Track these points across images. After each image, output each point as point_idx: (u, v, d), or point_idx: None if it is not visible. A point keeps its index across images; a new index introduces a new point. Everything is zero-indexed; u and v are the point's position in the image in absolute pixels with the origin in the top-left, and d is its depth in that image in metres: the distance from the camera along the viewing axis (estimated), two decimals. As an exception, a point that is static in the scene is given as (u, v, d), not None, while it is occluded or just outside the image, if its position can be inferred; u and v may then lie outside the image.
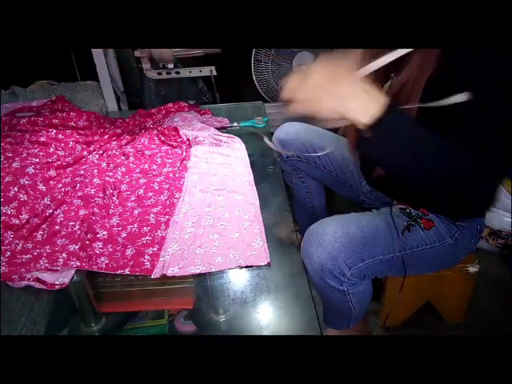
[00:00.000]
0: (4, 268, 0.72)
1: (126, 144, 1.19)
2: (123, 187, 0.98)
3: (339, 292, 0.80)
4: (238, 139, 1.21)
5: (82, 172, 1.03)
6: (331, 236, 0.77)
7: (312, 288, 0.72)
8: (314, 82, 0.56)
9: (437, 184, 0.62)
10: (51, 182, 0.98)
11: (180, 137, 1.23)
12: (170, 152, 1.15)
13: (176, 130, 1.25)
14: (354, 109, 0.55)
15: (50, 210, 0.87)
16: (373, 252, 0.78)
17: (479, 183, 0.61)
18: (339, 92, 0.55)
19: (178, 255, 0.75)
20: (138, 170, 1.06)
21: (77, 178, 1.00)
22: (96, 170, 1.03)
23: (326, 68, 0.57)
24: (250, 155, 1.11)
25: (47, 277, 0.71)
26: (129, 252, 0.76)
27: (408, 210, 0.84)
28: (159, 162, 1.10)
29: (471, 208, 0.80)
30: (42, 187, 0.94)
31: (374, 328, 1.16)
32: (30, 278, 0.70)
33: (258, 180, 1.00)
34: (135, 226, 0.84)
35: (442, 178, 0.60)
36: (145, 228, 0.83)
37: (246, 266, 0.73)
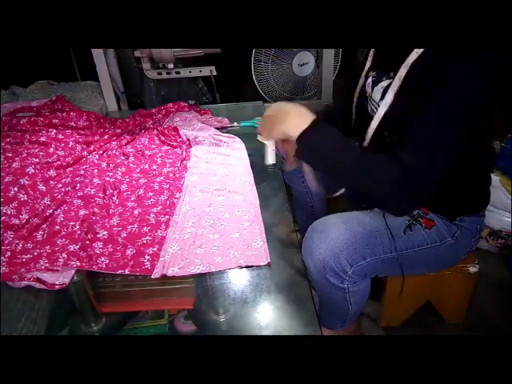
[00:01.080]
0: (4, 268, 0.72)
1: (125, 144, 1.19)
2: (123, 187, 0.98)
3: (339, 290, 0.80)
4: (238, 139, 1.21)
5: (82, 172, 1.03)
6: (334, 233, 0.77)
7: (312, 288, 0.72)
8: (268, 113, 0.76)
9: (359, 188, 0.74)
10: (51, 181, 0.98)
11: (180, 137, 1.23)
12: (170, 152, 1.15)
13: (176, 130, 1.25)
14: (289, 126, 0.71)
15: (50, 210, 0.87)
16: (375, 250, 0.79)
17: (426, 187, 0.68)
18: (280, 115, 0.73)
19: (178, 255, 0.75)
20: (138, 170, 1.06)
21: (77, 178, 1.00)
22: (96, 170, 1.03)
23: (276, 105, 0.76)
24: (249, 155, 1.11)
25: (47, 277, 0.71)
26: (129, 252, 0.76)
27: None
28: (159, 162, 1.10)
29: (465, 206, 0.81)
30: (41, 187, 0.94)
31: (374, 328, 1.16)
32: (30, 278, 0.70)
33: (258, 180, 1.00)
34: (135, 226, 0.84)
35: (359, 185, 0.72)
36: (145, 228, 0.83)
37: (246, 266, 0.73)
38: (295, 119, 0.71)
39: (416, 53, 0.68)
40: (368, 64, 0.86)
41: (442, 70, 0.63)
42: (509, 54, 0.60)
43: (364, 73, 0.88)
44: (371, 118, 0.82)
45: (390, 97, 0.74)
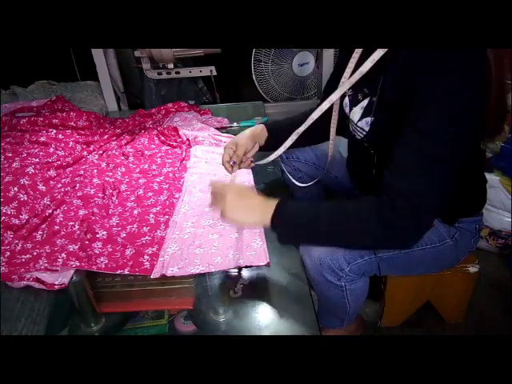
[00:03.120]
0: (4, 268, 0.72)
1: (125, 144, 1.19)
2: (123, 187, 0.98)
3: (336, 287, 0.80)
4: (237, 139, 1.21)
5: (82, 172, 1.03)
6: None
7: (311, 288, 0.72)
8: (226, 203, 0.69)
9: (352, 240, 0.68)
10: (51, 182, 0.98)
11: (180, 137, 1.23)
12: (169, 152, 1.15)
13: (176, 130, 1.25)
14: (254, 221, 0.69)
15: (50, 210, 0.87)
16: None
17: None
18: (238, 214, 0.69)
19: (178, 255, 0.75)
20: (137, 170, 1.06)
21: (77, 178, 1.00)
22: (96, 170, 1.03)
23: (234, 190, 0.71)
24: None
25: (47, 277, 0.71)
26: (128, 252, 0.76)
27: None
28: (159, 162, 1.10)
29: (466, 205, 0.81)
30: (41, 187, 0.94)
31: (374, 328, 1.16)
32: (29, 278, 0.70)
33: (258, 180, 1.00)
34: (135, 226, 0.84)
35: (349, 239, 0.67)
36: (144, 228, 0.83)
37: (246, 266, 0.73)
38: (257, 216, 0.68)
39: (379, 50, 0.64)
40: (342, 83, 0.79)
41: (419, 83, 0.60)
42: (482, 53, 0.58)
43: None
44: (353, 137, 0.81)
45: (369, 116, 0.72)
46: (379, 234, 0.63)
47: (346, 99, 0.81)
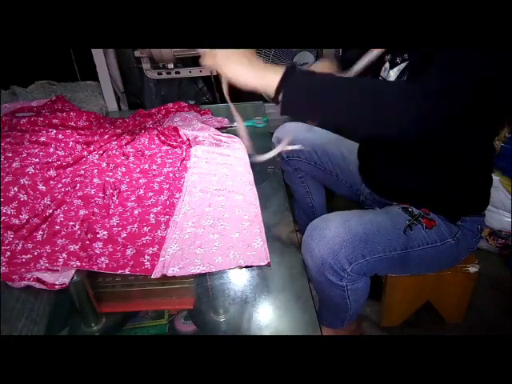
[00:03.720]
0: (4, 268, 0.72)
1: (126, 144, 1.19)
2: (123, 187, 0.98)
3: (338, 287, 0.80)
4: (237, 139, 1.21)
5: (82, 172, 1.03)
6: (333, 231, 0.77)
7: (312, 288, 0.72)
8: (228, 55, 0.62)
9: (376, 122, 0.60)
10: (51, 182, 0.98)
11: (180, 137, 1.23)
12: (170, 152, 1.15)
13: (176, 129, 1.25)
14: (262, 86, 0.61)
15: (50, 210, 0.87)
16: (374, 249, 0.79)
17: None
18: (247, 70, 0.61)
19: (178, 255, 0.75)
20: (138, 170, 1.06)
21: (77, 178, 1.00)
22: (96, 170, 1.03)
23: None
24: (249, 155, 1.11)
25: (47, 277, 0.71)
26: (129, 252, 0.76)
27: (410, 209, 0.84)
28: (159, 162, 1.10)
29: (470, 203, 0.81)
30: (41, 187, 0.94)
31: (374, 328, 1.17)
32: (30, 278, 0.70)
33: (258, 180, 1.00)
34: (135, 226, 0.84)
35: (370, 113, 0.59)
36: (145, 228, 0.83)
37: (246, 266, 0.73)
38: (257, 67, 0.61)
39: None
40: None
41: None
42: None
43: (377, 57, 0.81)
44: None
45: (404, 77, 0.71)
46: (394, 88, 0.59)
47: (387, 64, 0.81)
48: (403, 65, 0.75)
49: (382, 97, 0.58)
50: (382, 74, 0.83)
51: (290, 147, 0.94)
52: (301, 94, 0.59)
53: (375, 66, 0.83)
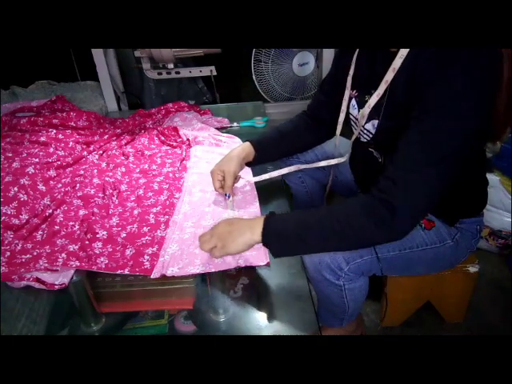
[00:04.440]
0: (4, 268, 0.72)
1: (125, 144, 1.19)
2: (123, 187, 0.98)
3: (335, 287, 0.80)
4: (237, 139, 1.21)
5: (82, 172, 1.03)
6: None
7: (311, 288, 0.72)
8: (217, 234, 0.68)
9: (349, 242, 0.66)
10: (51, 182, 0.98)
11: (180, 137, 1.23)
12: (169, 152, 1.15)
13: (176, 130, 1.25)
14: (246, 242, 0.67)
15: (50, 210, 0.87)
16: (372, 248, 0.79)
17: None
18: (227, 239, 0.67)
19: (178, 255, 0.75)
20: (137, 170, 1.06)
21: (77, 178, 1.00)
22: (96, 170, 1.03)
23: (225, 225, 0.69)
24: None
25: (47, 277, 0.71)
26: (128, 252, 0.76)
27: None
28: (159, 162, 1.10)
29: (467, 206, 0.81)
30: (41, 187, 0.94)
31: (374, 328, 1.16)
32: (29, 278, 0.70)
33: (258, 181, 1.00)
34: (135, 226, 0.84)
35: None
36: (144, 228, 0.83)
37: (246, 266, 0.73)
38: (248, 235, 0.66)
39: (400, 57, 0.64)
40: (348, 85, 0.81)
41: (426, 83, 0.60)
42: (494, 53, 0.58)
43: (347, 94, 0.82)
44: (358, 140, 0.81)
45: (376, 119, 0.72)
46: (369, 229, 0.62)
47: (353, 101, 0.81)
48: (372, 102, 0.73)
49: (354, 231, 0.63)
50: (350, 111, 0.82)
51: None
52: (280, 245, 0.66)
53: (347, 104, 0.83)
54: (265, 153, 0.93)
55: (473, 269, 1.03)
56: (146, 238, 0.80)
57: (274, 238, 0.66)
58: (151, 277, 0.71)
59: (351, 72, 0.79)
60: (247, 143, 0.92)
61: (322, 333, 0.63)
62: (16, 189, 0.90)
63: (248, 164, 0.93)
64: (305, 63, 1.76)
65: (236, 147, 0.91)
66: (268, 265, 0.73)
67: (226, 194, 0.88)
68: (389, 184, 0.62)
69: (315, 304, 0.67)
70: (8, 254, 0.76)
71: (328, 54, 1.57)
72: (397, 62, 0.66)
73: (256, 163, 0.94)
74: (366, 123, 0.76)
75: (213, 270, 0.71)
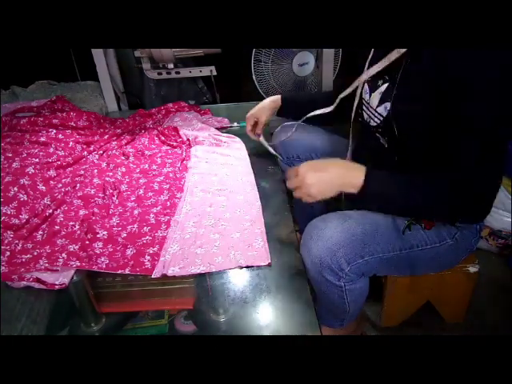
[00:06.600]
0: (4, 268, 0.72)
1: (126, 144, 1.19)
2: (123, 187, 0.98)
3: (336, 287, 0.80)
4: (238, 139, 1.21)
5: (82, 172, 1.03)
6: (332, 231, 0.77)
7: (312, 289, 0.72)
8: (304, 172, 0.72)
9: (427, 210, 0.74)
10: (51, 182, 0.98)
11: (180, 137, 1.23)
12: (170, 152, 1.15)
13: (176, 130, 1.25)
14: (344, 186, 0.72)
15: (50, 210, 0.87)
16: (373, 249, 0.79)
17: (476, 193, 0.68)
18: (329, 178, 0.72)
19: (179, 255, 0.75)
20: (138, 170, 1.06)
21: (77, 178, 1.00)
22: (96, 170, 1.03)
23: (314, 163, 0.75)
24: (250, 155, 1.11)
25: (47, 277, 0.71)
26: (129, 252, 0.76)
27: None
28: (159, 162, 1.10)
29: (470, 217, 0.81)
30: (41, 187, 0.94)
31: (374, 328, 1.16)
32: (29, 278, 0.70)
33: (258, 180, 1.00)
34: (135, 225, 0.84)
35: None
36: (145, 228, 0.83)
37: (247, 266, 0.73)
38: (349, 176, 0.71)
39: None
40: (365, 69, 0.83)
41: (455, 70, 0.62)
42: None
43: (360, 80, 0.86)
44: (368, 125, 0.82)
45: (388, 102, 0.73)
46: (456, 204, 0.69)
47: (366, 86, 0.84)
48: (384, 86, 0.76)
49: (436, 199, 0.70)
50: (364, 96, 0.85)
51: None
52: (378, 200, 0.75)
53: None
54: (288, 109, 1.11)
55: (473, 269, 1.03)
56: (147, 237, 0.80)
57: (374, 197, 0.73)
58: (152, 276, 0.71)
59: (370, 56, 0.83)
60: (278, 96, 1.11)
61: (322, 333, 0.63)
62: (16, 189, 0.90)
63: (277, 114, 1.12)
64: (305, 63, 1.76)
65: (270, 98, 1.12)
66: (269, 265, 0.73)
67: (258, 135, 1.11)
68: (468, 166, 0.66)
69: (315, 304, 0.67)
70: (8, 253, 0.76)
71: (328, 54, 1.57)
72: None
73: (281, 115, 1.13)
74: (377, 106, 0.78)
75: (214, 270, 0.71)
